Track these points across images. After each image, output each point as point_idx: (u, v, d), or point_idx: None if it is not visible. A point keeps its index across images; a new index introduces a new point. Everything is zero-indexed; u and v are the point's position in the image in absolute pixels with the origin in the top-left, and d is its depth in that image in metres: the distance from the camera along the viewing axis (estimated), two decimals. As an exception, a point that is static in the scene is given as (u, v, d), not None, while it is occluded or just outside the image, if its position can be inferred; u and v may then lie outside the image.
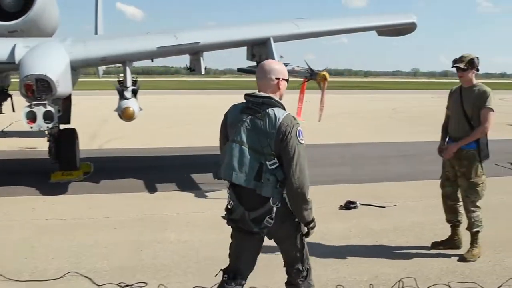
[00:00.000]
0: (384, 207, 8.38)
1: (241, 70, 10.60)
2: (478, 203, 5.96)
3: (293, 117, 3.60)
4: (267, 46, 9.98)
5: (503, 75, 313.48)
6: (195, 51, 10.05)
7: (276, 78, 3.68)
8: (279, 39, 10.30)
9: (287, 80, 3.77)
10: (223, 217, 3.80)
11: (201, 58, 10.06)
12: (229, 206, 3.70)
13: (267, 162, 3.51)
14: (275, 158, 3.52)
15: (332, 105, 37.12)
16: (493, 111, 5.83)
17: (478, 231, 6.00)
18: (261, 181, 3.50)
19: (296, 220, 3.69)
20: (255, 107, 3.60)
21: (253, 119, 3.57)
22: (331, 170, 11.74)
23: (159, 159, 13.35)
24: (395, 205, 8.49)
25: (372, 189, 9.71)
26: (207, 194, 9.20)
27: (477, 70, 5.93)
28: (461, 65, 5.89)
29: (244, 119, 3.60)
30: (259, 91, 3.70)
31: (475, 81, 5.99)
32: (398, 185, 10.23)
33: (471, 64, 5.88)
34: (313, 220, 3.71)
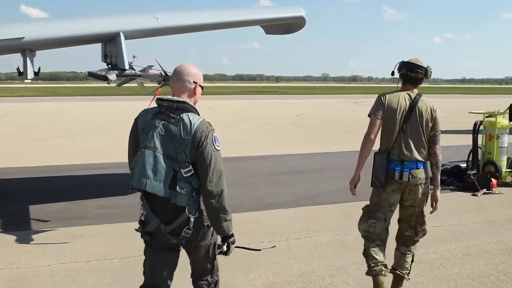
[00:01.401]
0: (259, 250, 6.39)
1: (92, 75, 8.36)
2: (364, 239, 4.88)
3: (208, 123, 3.45)
4: (117, 43, 7.85)
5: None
6: (21, 49, 7.72)
7: (194, 82, 3.55)
8: (133, 34, 8.22)
9: (202, 88, 3.63)
10: (136, 229, 3.58)
11: (29, 58, 7.71)
12: (142, 218, 3.49)
13: (181, 170, 3.34)
14: (190, 166, 3.37)
15: (237, 111, 36.10)
16: (370, 116, 4.77)
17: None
18: (176, 189, 3.32)
19: (211, 229, 3.53)
20: (169, 111, 3.41)
21: (167, 125, 3.39)
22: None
23: None
24: (274, 246, 6.55)
25: (254, 219, 7.77)
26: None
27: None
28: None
29: (157, 124, 3.40)
30: (173, 95, 3.53)
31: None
32: (284, 214, 8.28)
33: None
34: (232, 234, 3.53)
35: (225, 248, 3.52)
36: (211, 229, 3.53)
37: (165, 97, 3.50)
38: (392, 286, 4.86)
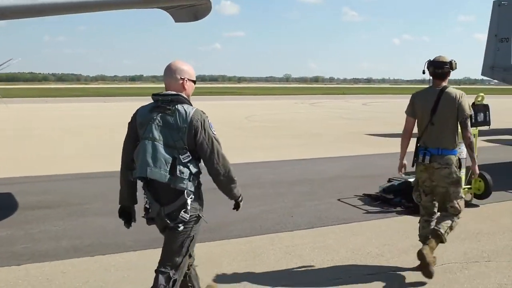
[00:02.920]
0: None
1: None
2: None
3: (202, 111, 3.76)
4: None
5: (369, 80, 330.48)
6: None
7: (181, 78, 3.82)
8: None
9: (194, 82, 3.92)
10: (143, 217, 3.82)
11: None
12: (147, 206, 3.74)
13: (180, 156, 3.63)
14: (188, 152, 3.66)
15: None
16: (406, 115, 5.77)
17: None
18: (175, 174, 3.58)
19: (200, 217, 3.79)
20: (165, 104, 3.71)
21: (164, 116, 3.68)
22: (99, 220, 7.60)
23: None
24: None
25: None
26: None
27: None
28: None
29: (154, 117, 3.69)
30: (166, 90, 3.83)
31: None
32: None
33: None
34: (241, 195, 3.97)
35: (237, 207, 4.00)
36: (199, 222, 3.81)
37: (159, 92, 3.80)
38: (429, 243, 5.33)
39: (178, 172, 3.58)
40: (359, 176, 11.26)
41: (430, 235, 5.43)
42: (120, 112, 28.67)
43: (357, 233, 7.13)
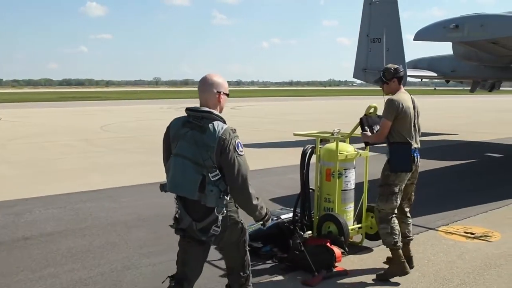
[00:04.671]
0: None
1: None
2: (386, 216, 5.69)
3: (232, 130, 3.73)
4: None
5: (239, 83, 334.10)
6: None
7: (218, 92, 3.83)
8: None
9: (227, 95, 3.92)
10: (171, 226, 3.90)
11: None
12: (177, 216, 3.83)
13: (209, 174, 3.62)
14: (217, 170, 3.64)
15: (37, 123, 29.54)
16: (386, 120, 5.65)
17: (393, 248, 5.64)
18: (204, 192, 3.62)
19: (240, 226, 3.88)
20: (196, 121, 3.71)
21: (194, 133, 3.69)
22: None
23: None
24: None
25: None
26: None
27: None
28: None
29: (185, 133, 3.72)
30: (200, 105, 3.83)
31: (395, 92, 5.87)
32: None
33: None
34: (266, 213, 3.95)
35: (263, 224, 4.02)
36: (239, 226, 3.88)
37: (193, 106, 3.83)
38: (405, 251, 5.79)
39: (207, 190, 3.61)
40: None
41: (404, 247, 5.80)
42: None
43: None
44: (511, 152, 16.80)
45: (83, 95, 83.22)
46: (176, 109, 43.48)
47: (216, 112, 3.78)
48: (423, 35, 11.08)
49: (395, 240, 5.64)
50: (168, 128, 3.90)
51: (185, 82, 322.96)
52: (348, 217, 6.59)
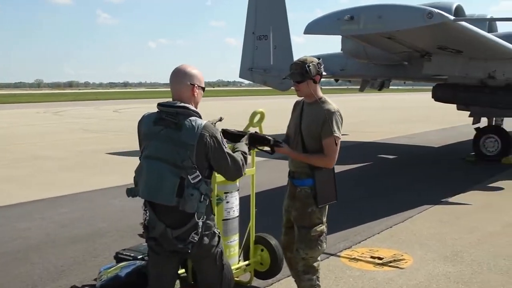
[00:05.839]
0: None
1: None
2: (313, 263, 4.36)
3: (213, 124, 3.46)
4: None
5: (126, 84, 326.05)
6: None
7: (191, 84, 3.50)
8: None
9: (203, 89, 3.60)
10: (140, 235, 3.62)
11: None
12: (145, 223, 3.45)
13: (188, 176, 3.30)
14: (197, 171, 3.34)
15: None
16: (339, 137, 4.29)
17: None
18: (183, 196, 3.29)
19: (217, 233, 3.56)
20: (170, 118, 3.37)
21: (169, 131, 3.36)
22: None
23: None
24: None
25: None
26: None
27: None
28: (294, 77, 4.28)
29: (159, 132, 3.39)
30: (173, 99, 3.50)
31: (320, 94, 4.35)
32: None
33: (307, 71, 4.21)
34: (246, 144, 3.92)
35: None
36: (217, 237, 3.55)
37: (165, 102, 3.47)
38: None
39: (186, 194, 3.28)
40: (72, 240, 7.13)
41: None
42: None
43: None
44: (403, 153, 16.32)
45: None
46: (54, 113, 40.35)
47: (191, 107, 3.44)
48: (314, 28, 9.90)
49: None
50: (139, 122, 3.54)
51: (69, 84, 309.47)
52: (232, 253, 5.15)
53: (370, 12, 9.15)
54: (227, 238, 5.10)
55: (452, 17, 9.38)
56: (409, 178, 11.88)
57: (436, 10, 8.89)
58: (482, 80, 12.90)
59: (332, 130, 4.23)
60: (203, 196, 3.35)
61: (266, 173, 10.77)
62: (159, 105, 3.47)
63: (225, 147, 3.46)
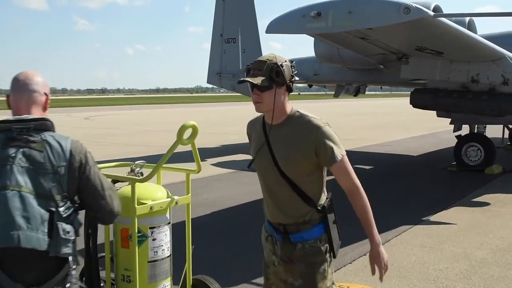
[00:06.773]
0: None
1: None
2: None
3: (77, 140, 2.78)
4: None
5: (104, 91, 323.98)
6: None
7: (45, 94, 2.84)
8: None
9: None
10: None
11: None
12: None
13: (59, 209, 2.56)
14: (69, 201, 2.64)
15: None
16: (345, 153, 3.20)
17: None
18: (56, 236, 2.50)
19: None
20: (25, 135, 2.60)
21: (28, 152, 2.58)
22: None
23: None
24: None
25: None
26: None
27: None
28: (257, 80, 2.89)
29: (13, 155, 2.56)
30: (19, 113, 2.71)
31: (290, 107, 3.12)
32: None
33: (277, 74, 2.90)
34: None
35: None
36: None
37: (12, 117, 2.68)
38: None
39: (60, 231, 2.51)
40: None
41: None
42: None
43: None
44: (380, 162, 15.35)
45: None
46: None
47: (49, 119, 2.72)
48: (276, 26, 8.85)
49: None
50: None
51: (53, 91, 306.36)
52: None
53: (339, 7, 8.09)
54: (155, 285, 4.00)
55: (431, 13, 8.40)
56: (387, 193, 10.85)
57: (414, 5, 7.92)
58: (464, 85, 11.97)
59: (335, 155, 3.13)
60: (76, 233, 2.65)
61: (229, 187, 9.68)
62: (4, 122, 2.65)
63: (98, 169, 2.82)
